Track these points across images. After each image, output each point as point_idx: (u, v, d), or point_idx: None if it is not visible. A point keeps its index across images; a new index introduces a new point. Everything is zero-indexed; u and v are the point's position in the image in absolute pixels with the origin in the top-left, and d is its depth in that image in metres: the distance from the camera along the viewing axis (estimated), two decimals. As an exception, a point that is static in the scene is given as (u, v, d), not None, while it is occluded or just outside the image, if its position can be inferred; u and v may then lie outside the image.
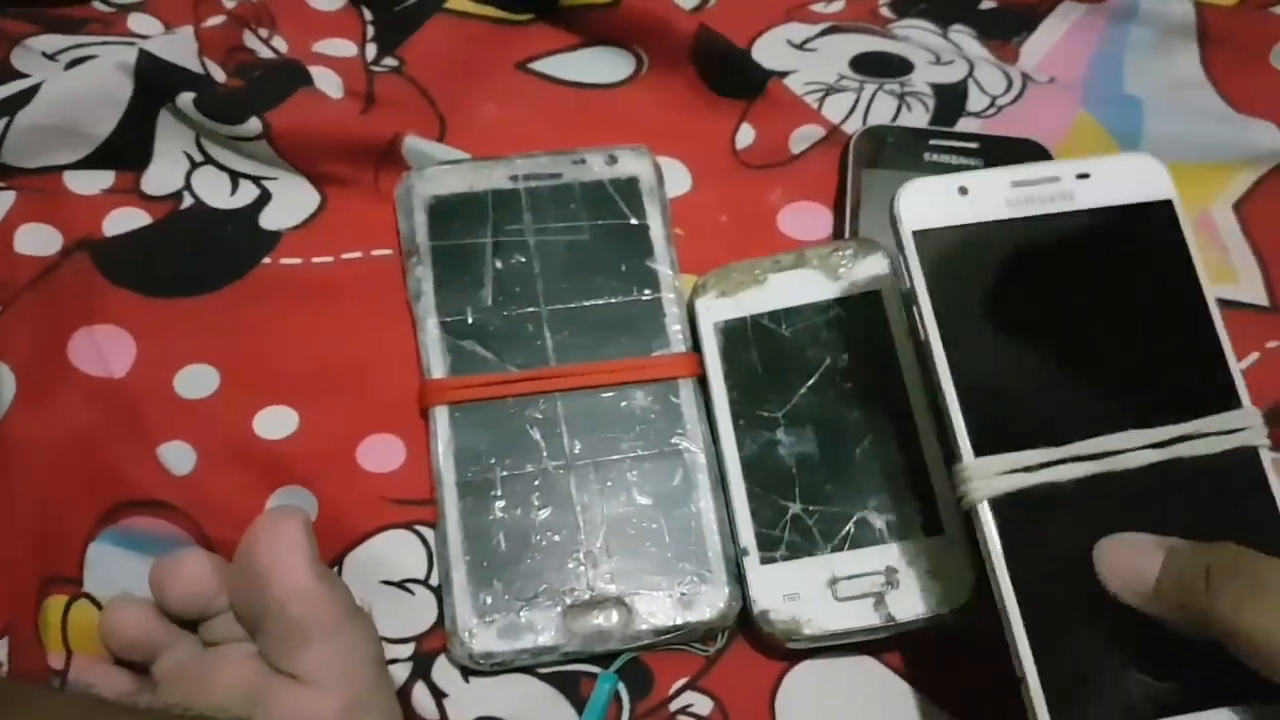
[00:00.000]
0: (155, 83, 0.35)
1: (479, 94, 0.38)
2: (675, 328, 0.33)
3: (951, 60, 0.40)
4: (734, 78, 0.38)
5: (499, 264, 0.34)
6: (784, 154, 0.38)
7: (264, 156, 0.35)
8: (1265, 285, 0.36)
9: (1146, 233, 0.28)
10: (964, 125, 0.38)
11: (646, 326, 0.33)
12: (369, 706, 0.27)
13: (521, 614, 0.29)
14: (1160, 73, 0.40)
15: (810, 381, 0.32)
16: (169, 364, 0.33)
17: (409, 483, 0.32)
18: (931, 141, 0.36)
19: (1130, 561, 0.24)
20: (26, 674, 0.29)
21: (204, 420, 0.32)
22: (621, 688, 0.30)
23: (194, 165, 0.36)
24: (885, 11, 0.42)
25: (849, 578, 0.29)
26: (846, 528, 0.30)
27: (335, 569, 0.31)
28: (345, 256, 0.35)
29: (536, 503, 0.31)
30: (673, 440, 0.32)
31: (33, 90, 0.34)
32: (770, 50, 0.40)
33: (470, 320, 0.33)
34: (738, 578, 0.30)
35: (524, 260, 0.34)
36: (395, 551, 0.31)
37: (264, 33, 0.38)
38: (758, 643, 0.30)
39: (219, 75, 0.36)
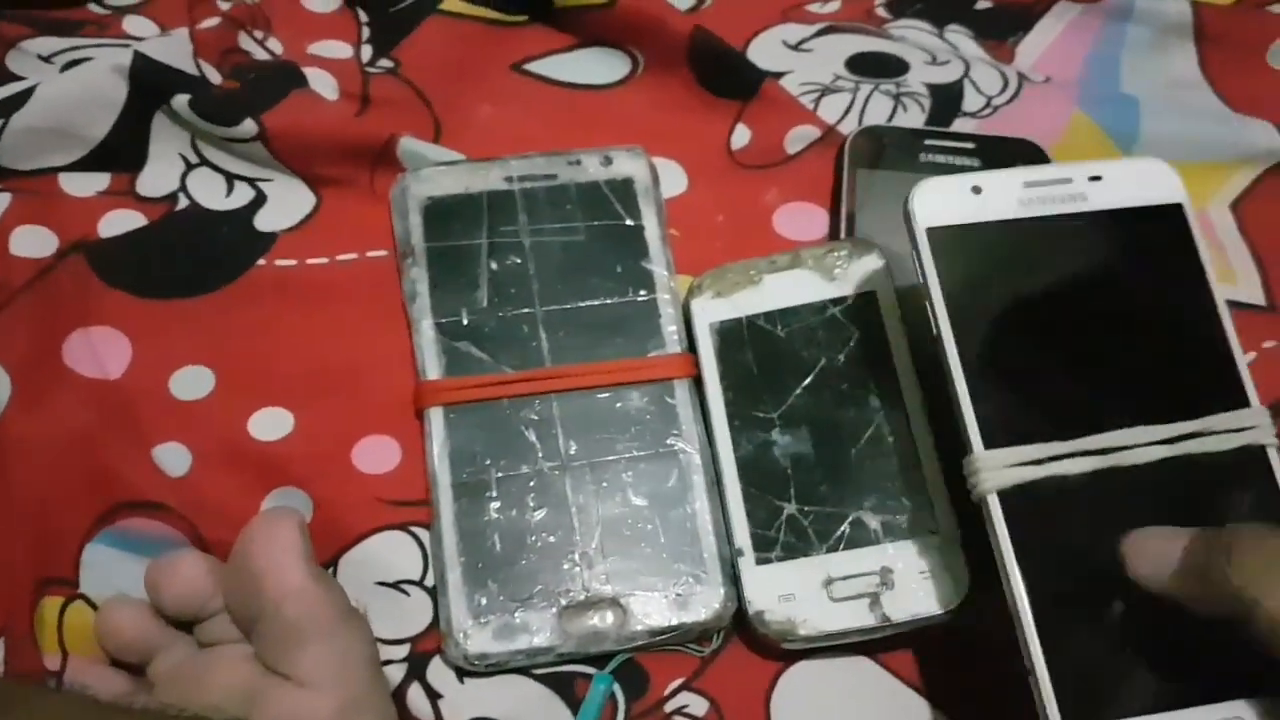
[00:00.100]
0: (150, 85, 0.35)
1: (474, 95, 0.38)
2: (670, 328, 0.33)
3: (947, 60, 0.39)
4: (729, 78, 0.38)
5: (494, 265, 0.34)
6: (779, 154, 0.38)
7: (259, 158, 0.35)
8: (1263, 285, 0.36)
9: (1157, 234, 0.28)
10: (960, 125, 0.38)
11: (642, 327, 0.33)
12: (364, 707, 0.27)
13: (516, 615, 0.29)
14: (1157, 72, 0.40)
15: (805, 382, 0.32)
16: (164, 365, 0.33)
17: (404, 484, 0.32)
18: (927, 142, 0.36)
19: (1157, 546, 0.24)
20: (22, 675, 0.29)
21: (199, 421, 0.32)
22: (617, 688, 0.30)
23: (189, 167, 0.36)
24: (881, 12, 0.42)
25: (844, 578, 0.29)
26: (842, 528, 0.30)
27: (330, 570, 0.31)
28: (340, 258, 0.35)
29: (532, 504, 0.31)
30: (668, 441, 0.32)
31: (28, 92, 0.34)
32: (766, 51, 0.40)
33: (465, 321, 0.33)
34: (733, 578, 0.30)
35: (519, 261, 0.34)
36: (390, 553, 0.31)
37: (259, 34, 0.38)
38: (753, 643, 0.30)
39: (214, 77, 0.36)
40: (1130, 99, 0.39)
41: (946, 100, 0.38)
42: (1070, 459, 0.26)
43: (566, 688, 0.29)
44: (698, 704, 0.30)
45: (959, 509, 0.30)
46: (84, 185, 0.35)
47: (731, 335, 0.33)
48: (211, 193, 0.35)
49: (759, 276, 0.33)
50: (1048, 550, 0.25)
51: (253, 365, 0.33)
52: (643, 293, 0.34)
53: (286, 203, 0.35)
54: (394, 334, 0.33)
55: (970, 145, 0.36)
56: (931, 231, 0.27)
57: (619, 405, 0.32)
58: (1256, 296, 0.36)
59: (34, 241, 0.34)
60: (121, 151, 0.35)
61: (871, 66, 0.39)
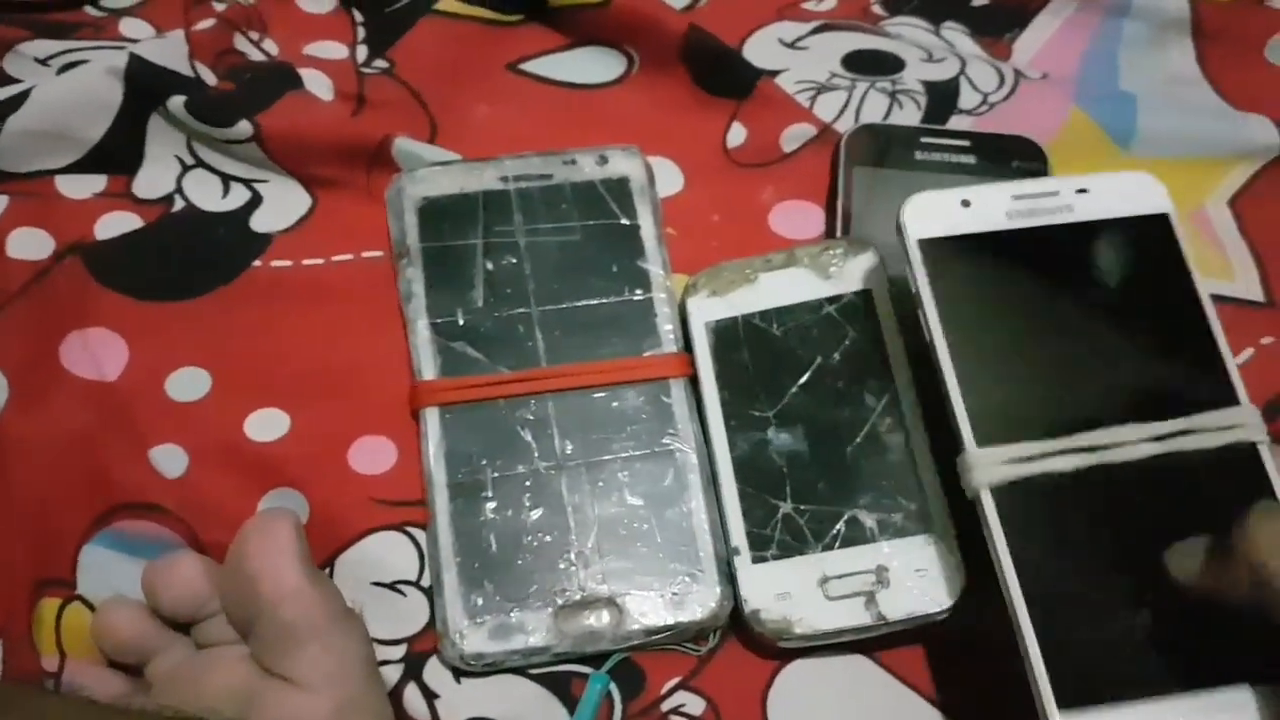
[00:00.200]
0: (146, 86, 0.35)
1: (470, 95, 0.38)
2: (667, 328, 0.33)
3: (943, 58, 0.39)
4: (725, 77, 0.38)
5: (490, 265, 0.34)
6: (775, 153, 0.38)
7: (255, 159, 0.36)
8: (1261, 281, 0.36)
9: (1143, 241, 0.29)
10: (956, 123, 0.38)
11: (638, 326, 0.33)
12: (360, 708, 0.27)
13: (512, 615, 0.29)
14: (1155, 68, 0.40)
15: (801, 381, 0.32)
16: (161, 367, 0.33)
17: (400, 484, 0.32)
18: (923, 139, 0.36)
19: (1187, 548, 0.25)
20: (20, 676, 0.29)
21: (196, 423, 0.32)
22: (613, 688, 0.30)
23: (185, 168, 0.36)
24: (877, 9, 0.42)
25: (840, 577, 0.29)
26: (837, 527, 0.30)
27: (327, 571, 0.31)
28: (336, 258, 0.35)
29: (528, 503, 0.31)
30: (664, 440, 0.32)
31: (24, 95, 0.34)
32: (762, 49, 0.40)
33: (461, 322, 0.33)
34: (729, 577, 0.30)
35: (515, 261, 0.34)
36: (386, 553, 0.31)
37: (255, 35, 0.38)
38: (749, 642, 0.30)
39: (210, 78, 0.36)
40: (1128, 96, 0.39)
41: (942, 98, 0.38)
42: (1061, 456, 0.26)
43: (563, 687, 0.29)
44: (694, 703, 0.30)
45: (954, 508, 0.30)
46: (80, 187, 0.35)
47: (727, 334, 0.33)
48: (207, 194, 0.35)
49: (755, 275, 0.33)
50: (1041, 544, 0.26)
51: (249, 366, 0.33)
52: (638, 292, 0.34)
53: (282, 204, 0.35)
54: (390, 335, 0.33)
55: (966, 143, 0.36)
56: (923, 243, 0.29)
57: (615, 405, 0.32)
58: (1255, 293, 0.36)
59: (31, 243, 0.34)
60: (118, 153, 0.35)
61: (867, 64, 0.39)
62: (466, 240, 0.34)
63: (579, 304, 0.33)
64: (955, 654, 0.30)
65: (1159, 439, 0.26)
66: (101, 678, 0.29)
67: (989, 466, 0.26)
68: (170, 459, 0.31)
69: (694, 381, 0.33)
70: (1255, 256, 0.36)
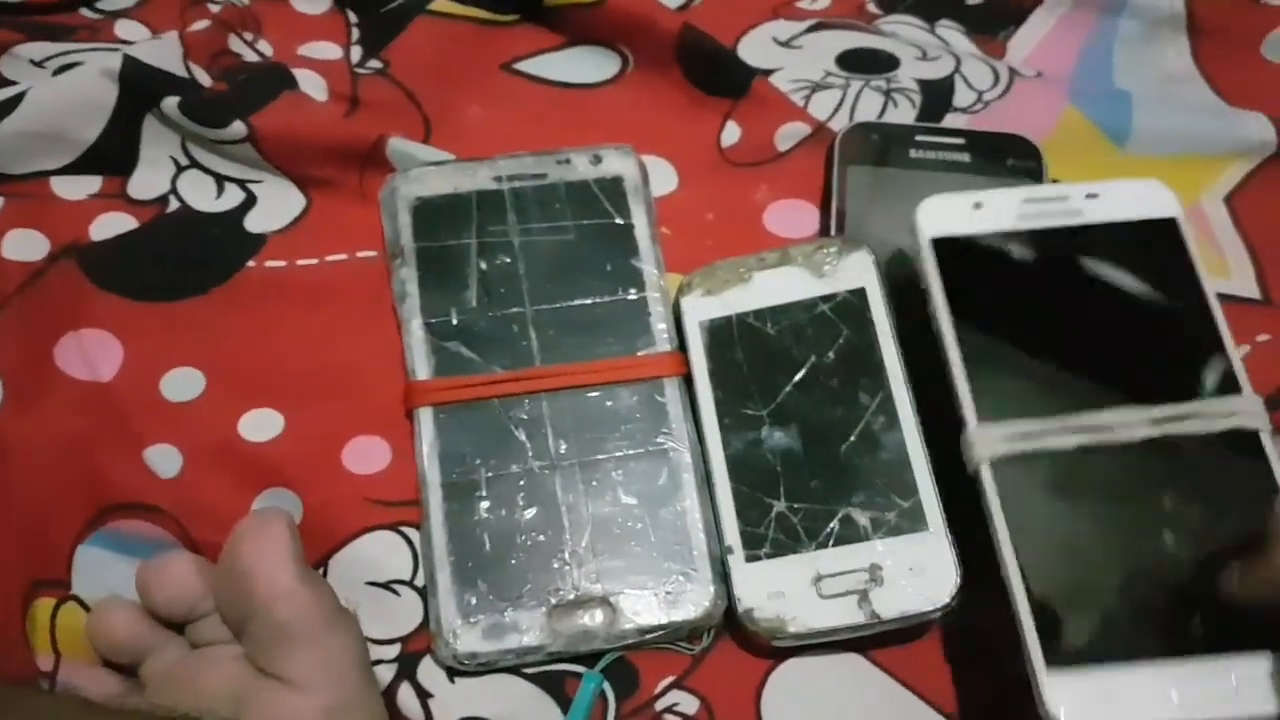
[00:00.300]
0: (140, 88, 0.35)
1: (464, 95, 0.38)
2: (661, 327, 0.33)
3: (938, 56, 0.39)
4: (719, 76, 0.38)
5: (484, 265, 0.34)
6: (770, 152, 0.38)
7: (249, 160, 0.36)
8: (1257, 278, 0.36)
9: (1151, 241, 0.31)
10: (950, 121, 0.38)
11: (632, 326, 0.33)
12: (354, 708, 0.27)
13: (506, 614, 0.29)
14: (1150, 66, 0.40)
15: (795, 379, 0.32)
16: (155, 367, 0.33)
17: (394, 484, 0.32)
18: (918, 138, 0.36)
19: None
20: (15, 677, 0.29)
21: (190, 423, 0.32)
22: (607, 687, 0.30)
23: (180, 169, 0.36)
24: (872, 8, 0.42)
25: (833, 575, 0.29)
26: (831, 525, 0.30)
27: (321, 571, 0.31)
28: (330, 259, 0.35)
29: (521, 503, 0.31)
30: (658, 439, 0.32)
31: (19, 97, 0.34)
32: (756, 48, 0.40)
33: (455, 321, 0.33)
34: (723, 576, 0.30)
35: (509, 261, 0.34)
36: (381, 553, 0.31)
37: (249, 36, 0.39)
38: (743, 641, 0.30)
39: (204, 79, 0.36)
40: (1123, 93, 0.39)
41: (937, 96, 0.38)
42: (1060, 435, 0.28)
43: (557, 687, 0.29)
44: (688, 702, 0.30)
45: (948, 506, 0.30)
46: (75, 188, 0.35)
47: (721, 333, 0.33)
48: (202, 195, 0.36)
49: (749, 274, 0.33)
50: (1036, 516, 0.27)
51: (243, 366, 0.33)
52: (632, 291, 0.34)
53: (276, 204, 0.36)
54: (384, 334, 0.33)
55: (961, 141, 0.36)
56: (935, 241, 0.30)
57: (609, 404, 0.32)
58: (1250, 290, 0.36)
59: (26, 245, 0.34)
60: (112, 154, 0.35)
61: (862, 63, 0.39)
62: (460, 240, 0.34)
63: (573, 303, 0.33)
64: (950, 652, 0.30)
65: (1158, 422, 0.27)
66: (96, 678, 0.29)
67: (989, 442, 0.28)
68: (165, 459, 0.31)
69: (688, 381, 0.33)
70: (1251, 254, 0.36)
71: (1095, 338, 0.29)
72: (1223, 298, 0.34)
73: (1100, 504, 0.28)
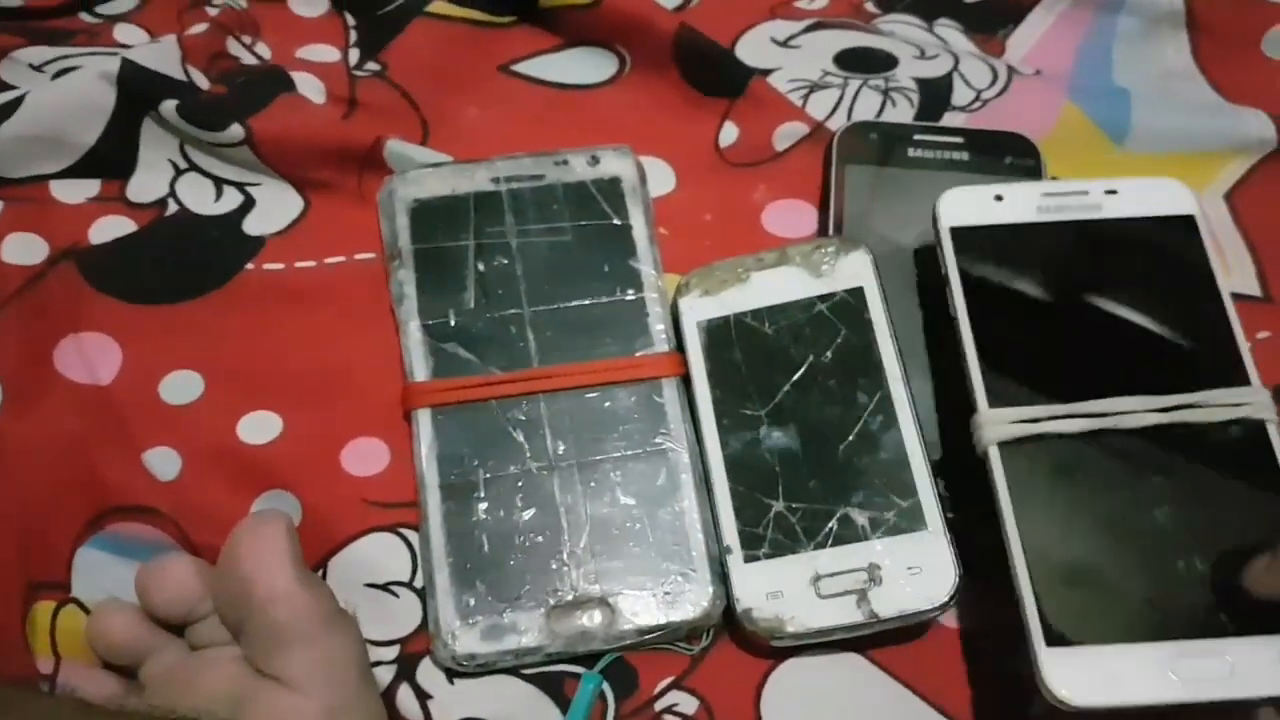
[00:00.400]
0: (138, 91, 0.35)
1: (461, 97, 0.38)
2: (659, 327, 0.33)
3: (936, 54, 0.39)
4: (717, 76, 0.38)
5: (481, 266, 0.34)
6: (768, 152, 0.38)
7: (247, 162, 0.36)
8: (1257, 276, 0.36)
9: (1166, 236, 0.31)
10: (949, 119, 0.38)
11: (630, 326, 0.33)
12: (353, 709, 0.27)
13: (505, 615, 0.29)
14: (1149, 63, 0.40)
15: (793, 379, 0.32)
16: (154, 370, 0.33)
17: (393, 486, 0.32)
18: (916, 137, 0.36)
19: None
20: (15, 679, 0.29)
21: (189, 426, 0.32)
22: (606, 688, 0.29)
23: (178, 172, 0.36)
24: (870, 7, 0.42)
25: (832, 575, 0.29)
26: (829, 525, 0.30)
27: (320, 572, 0.31)
28: (328, 261, 0.35)
29: (520, 504, 0.31)
30: (656, 440, 0.32)
31: (18, 101, 0.34)
32: (754, 48, 0.40)
33: (453, 323, 0.33)
34: (722, 576, 0.30)
35: (506, 262, 0.34)
36: (379, 554, 0.31)
37: (247, 39, 0.39)
38: (742, 641, 0.30)
39: (202, 82, 0.37)
40: (1122, 91, 0.39)
41: (935, 95, 0.38)
42: (1067, 420, 0.28)
43: (555, 688, 0.29)
44: (687, 703, 0.29)
45: (946, 505, 0.30)
46: (74, 192, 0.35)
47: (719, 333, 0.33)
48: (200, 198, 0.36)
49: (747, 274, 0.33)
50: (1041, 498, 0.28)
51: (241, 369, 0.33)
52: (630, 292, 0.34)
53: (274, 207, 0.36)
54: (382, 336, 0.33)
55: (959, 140, 0.36)
56: (954, 230, 0.31)
57: (607, 405, 0.32)
58: (1251, 287, 0.36)
59: (25, 249, 0.34)
60: (111, 158, 0.35)
61: (860, 62, 0.39)
62: (458, 242, 0.34)
63: (571, 304, 0.33)
64: (949, 651, 0.30)
65: (1166, 410, 0.28)
66: (96, 679, 0.29)
67: (998, 425, 0.28)
68: (163, 462, 0.32)
69: (686, 381, 0.32)
70: (1251, 251, 0.36)
71: (1108, 328, 0.30)
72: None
73: (1105, 488, 0.28)
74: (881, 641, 0.30)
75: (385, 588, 0.31)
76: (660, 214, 0.36)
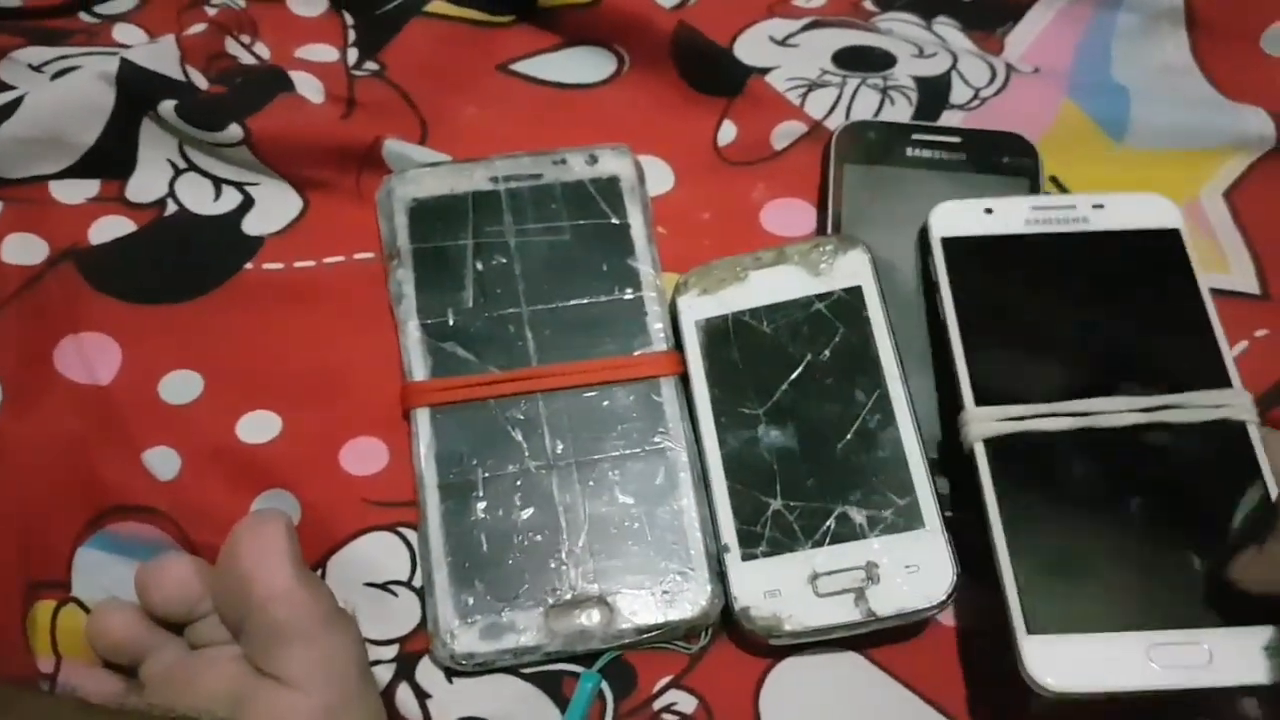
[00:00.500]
0: (137, 91, 0.35)
1: (460, 96, 0.38)
2: (657, 326, 0.33)
3: (935, 53, 0.39)
4: (715, 75, 0.38)
5: (480, 265, 0.34)
6: (766, 150, 0.38)
7: (246, 162, 0.36)
8: (1256, 274, 0.36)
9: (1151, 248, 0.32)
10: (947, 118, 0.38)
11: (628, 325, 0.33)
12: (352, 708, 0.27)
13: (503, 614, 0.29)
14: (1148, 60, 0.40)
15: (791, 378, 0.32)
16: (154, 370, 0.33)
17: (392, 485, 0.32)
18: (914, 136, 0.36)
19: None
20: (16, 678, 0.29)
21: (188, 425, 0.32)
22: (605, 686, 0.30)
23: (177, 172, 0.36)
24: (868, 5, 0.42)
25: (829, 573, 0.29)
26: (827, 523, 0.30)
27: (319, 572, 0.31)
28: (327, 260, 0.35)
29: (518, 503, 0.31)
30: (655, 439, 0.32)
31: (17, 102, 0.34)
32: (752, 47, 0.39)
33: (451, 322, 0.33)
34: (720, 575, 0.30)
35: (505, 261, 0.34)
36: (378, 553, 0.31)
37: (246, 39, 0.39)
38: (741, 640, 0.30)
39: (201, 82, 0.37)
40: (1121, 88, 0.39)
41: (934, 93, 0.38)
42: (1052, 418, 0.29)
43: (554, 687, 0.29)
44: (686, 701, 0.30)
45: (944, 504, 0.30)
46: (74, 192, 0.35)
47: (717, 332, 0.33)
48: (199, 198, 0.36)
49: (745, 273, 0.33)
50: (1025, 493, 0.28)
51: (241, 369, 0.33)
52: (629, 291, 0.34)
53: (273, 206, 0.36)
54: (381, 336, 0.33)
55: (957, 139, 0.36)
56: (945, 240, 0.32)
57: (605, 404, 0.32)
58: (1250, 285, 0.36)
59: (25, 249, 0.34)
60: (110, 158, 0.35)
61: (858, 60, 0.39)
62: (457, 241, 0.34)
63: (569, 303, 0.33)
64: (947, 649, 0.30)
65: (1148, 410, 0.29)
66: (96, 678, 0.29)
67: (984, 422, 0.29)
68: (163, 461, 0.32)
69: (685, 380, 0.33)
70: (1250, 249, 0.36)
71: (1092, 335, 0.31)
72: (1222, 293, 0.35)
73: (1088, 484, 0.29)
74: (879, 640, 0.30)
75: (384, 587, 0.31)
76: (659, 213, 0.36)
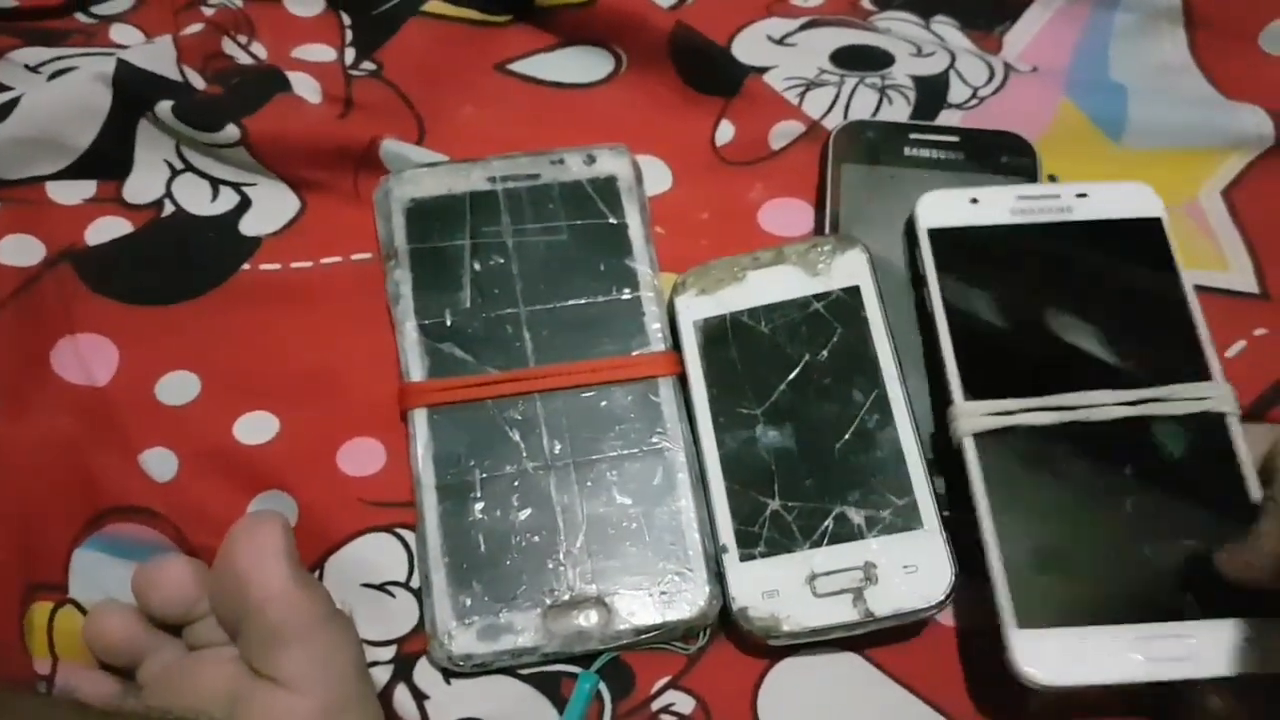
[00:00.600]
0: (134, 92, 0.35)
1: (457, 96, 0.38)
2: (655, 326, 0.33)
3: (933, 52, 0.39)
4: (712, 74, 0.38)
5: (477, 266, 0.34)
6: (764, 150, 0.38)
7: (243, 163, 0.36)
8: (1255, 272, 0.36)
9: (1134, 238, 0.32)
10: (945, 117, 0.38)
11: (626, 326, 0.33)
12: (349, 709, 0.27)
13: (501, 615, 0.29)
14: (1146, 58, 0.40)
15: (789, 378, 0.32)
16: (151, 371, 0.33)
17: (389, 486, 0.32)
18: (912, 135, 0.36)
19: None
20: (12, 679, 0.29)
21: (185, 427, 0.32)
22: (603, 687, 0.30)
23: (174, 173, 0.36)
24: (866, 4, 0.42)
25: (828, 574, 0.29)
26: (825, 524, 0.30)
27: (316, 573, 0.31)
28: (325, 261, 0.35)
29: (516, 504, 0.31)
30: (652, 439, 0.32)
31: (13, 103, 0.34)
32: (750, 46, 0.39)
33: (449, 322, 0.33)
34: (718, 575, 0.30)
35: (502, 261, 0.34)
36: (376, 554, 0.31)
37: (243, 39, 0.39)
38: (739, 641, 0.30)
39: (198, 83, 0.37)
40: (1119, 87, 0.39)
41: (932, 92, 0.38)
42: (1039, 412, 0.30)
43: (552, 688, 0.29)
44: (684, 702, 0.29)
45: (942, 504, 0.30)
46: (71, 193, 0.35)
47: (715, 332, 0.33)
48: (197, 198, 0.36)
49: (743, 273, 0.33)
50: (1014, 487, 0.29)
51: (238, 369, 0.33)
52: (627, 291, 0.34)
53: (271, 207, 0.36)
54: (378, 336, 0.33)
55: (955, 139, 0.36)
56: (932, 231, 0.32)
57: (603, 404, 0.32)
58: (1249, 284, 0.35)
59: (21, 250, 0.34)
60: (107, 159, 0.35)
61: (856, 60, 0.39)
62: (454, 241, 0.34)
63: (567, 304, 0.33)
64: (946, 650, 0.30)
65: (1132, 404, 0.29)
66: (93, 680, 0.29)
67: (973, 417, 0.29)
68: (160, 463, 0.32)
69: (683, 380, 0.32)
70: (1249, 248, 0.36)
71: (1078, 325, 0.31)
72: (1221, 292, 0.35)
73: (1075, 477, 0.29)
74: (878, 640, 0.30)
75: (382, 588, 0.31)
76: (656, 213, 0.36)
